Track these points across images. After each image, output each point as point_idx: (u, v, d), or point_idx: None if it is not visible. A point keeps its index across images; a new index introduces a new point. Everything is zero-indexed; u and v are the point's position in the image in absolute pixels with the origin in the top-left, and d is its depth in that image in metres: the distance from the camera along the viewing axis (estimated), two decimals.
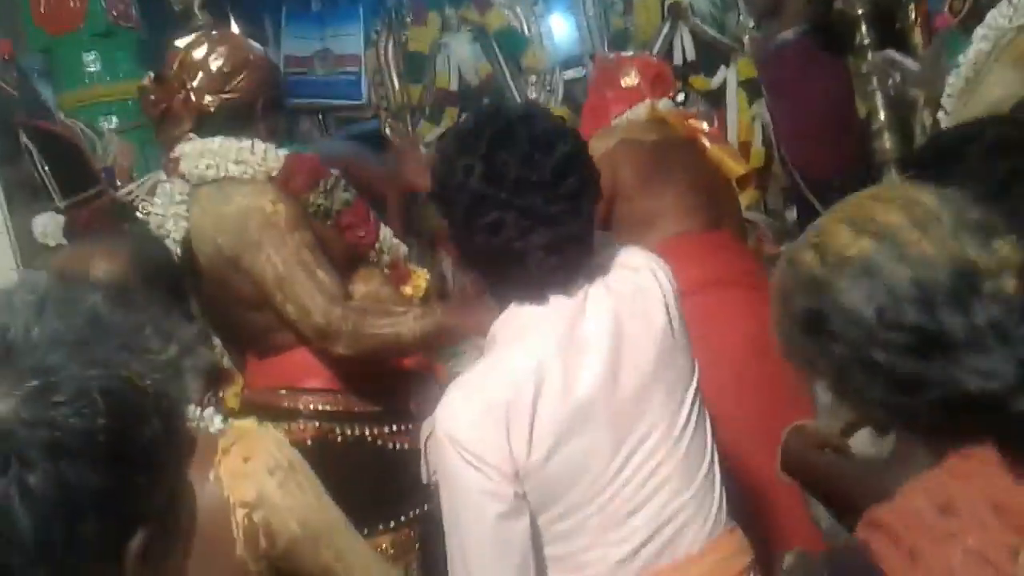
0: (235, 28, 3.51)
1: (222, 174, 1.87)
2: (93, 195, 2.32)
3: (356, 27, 4.97)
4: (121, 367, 0.74)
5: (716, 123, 4.11)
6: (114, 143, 2.53)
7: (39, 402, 0.70)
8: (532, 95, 4.51)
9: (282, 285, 1.78)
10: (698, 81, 4.13)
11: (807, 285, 0.97)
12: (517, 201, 1.24)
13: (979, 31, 1.94)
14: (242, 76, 1.94)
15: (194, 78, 1.91)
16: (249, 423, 1.24)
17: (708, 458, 1.40)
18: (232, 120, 1.93)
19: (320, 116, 4.94)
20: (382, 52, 4.74)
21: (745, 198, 4.00)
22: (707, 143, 2.61)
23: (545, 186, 1.25)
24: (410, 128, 4.61)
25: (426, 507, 1.91)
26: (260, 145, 1.90)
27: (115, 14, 3.50)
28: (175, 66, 1.94)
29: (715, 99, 4.12)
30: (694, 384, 1.40)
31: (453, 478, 1.24)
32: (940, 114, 1.99)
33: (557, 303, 1.31)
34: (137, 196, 2.20)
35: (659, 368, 1.33)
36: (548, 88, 4.50)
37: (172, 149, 1.93)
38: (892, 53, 2.11)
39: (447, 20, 4.54)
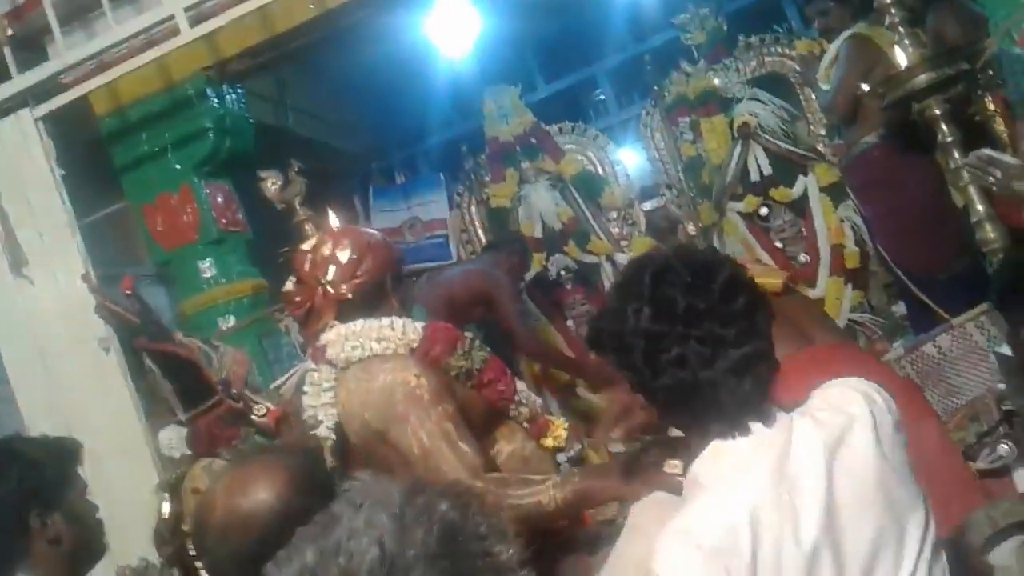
0: (332, 215, 3.73)
1: (367, 353, 1.96)
2: (211, 405, 2.48)
3: (439, 193, 5.24)
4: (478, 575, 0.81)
5: (804, 231, 4.15)
6: (228, 355, 2.71)
7: None
8: (615, 230, 4.63)
9: (427, 458, 1.84)
10: (779, 193, 4.20)
11: None
12: (693, 331, 1.23)
13: None
14: (368, 260, 2.07)
15: (327, 273, 2.05)
16: None
17: None
18: (368, 301, 2.05)
19: (415, 280, 5.15)
20: (466, 212, 4.97)
21: (847, 301, 3.98)
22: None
23: (715, 310, 1.24)
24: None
25: None
26: (399, 321, 2.01)
27: (225, 222, 3.78)
28: (307, 266, 2.08)
29: (799, 208, 4.15)
30: (921, 519, 1.30)
31: None
32: None
33: (760, 434, 1.27)
34: (285, 390, 2.33)
35: (878, 505, 1.26)
36: (630, 222, 4.62)
37: (315, 341, 2.05)
38: (988, 152, 2.11)
39: (524, 173, 4.75)
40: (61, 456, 1.86)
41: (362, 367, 1.95)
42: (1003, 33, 2.75)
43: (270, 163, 3.89)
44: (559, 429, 2.14)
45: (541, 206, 4.69)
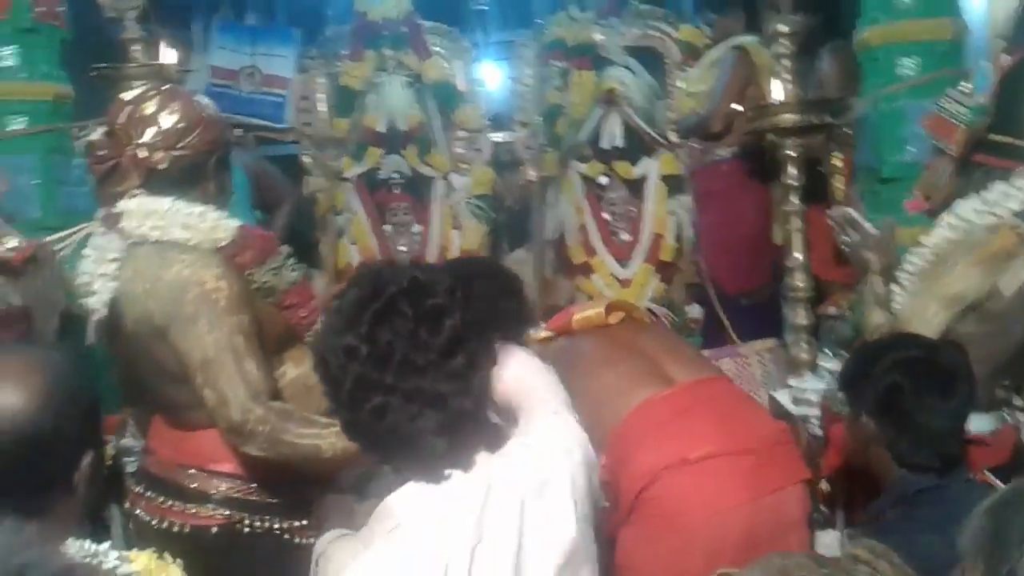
0: (166, 43, 3.37)
1: (166, 237, 1.79)
2: None
3: (289, 49, 4.87)
4: None
5: (633, 211, 4.26)
6: None
7: None
8: (458, 150, 4.53)
9: (207, 368, 1.72)
10: (622, 167, 4.25)
11: None
12: (403, 385, 1.19)
13: (945, 218, 2.03)
14: (195, 134, 1.87)
15: (144, 134, 1.83)
16: (148, 558, 1.14)
17: None
18: (182, 178, 1.86)
19: (239, 131, 4.81)
20: (312, 80, 4.66)
21: (651, 290, 4.16)
22: None
23: (433, 366, 1.20)
24: (331, 162, 4.55)
25: None
26: (212, 213, 1.84)
27: (42, 10, 3.32)
28: (122, 119, 1.85)
29: (635, 188, 4.24)
30: (593, 567, 1.34)
31: None
32: (895, 288, 2.08)
33: (458, 486, 1.25)
34: (65, 247, 2.07)
35: (566, 563, 1.28)
36: (475, 147, 4.53)
37: (112, 204, 1.84)
38: (853, 213, 2.21)
39: (384, 61, 4.51)
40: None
41: (157, 251, 1.79)
42: (873, 100, 2.91)
43: None
44: None
45: (392, 101, 4.48)
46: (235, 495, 1.83)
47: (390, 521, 1.26)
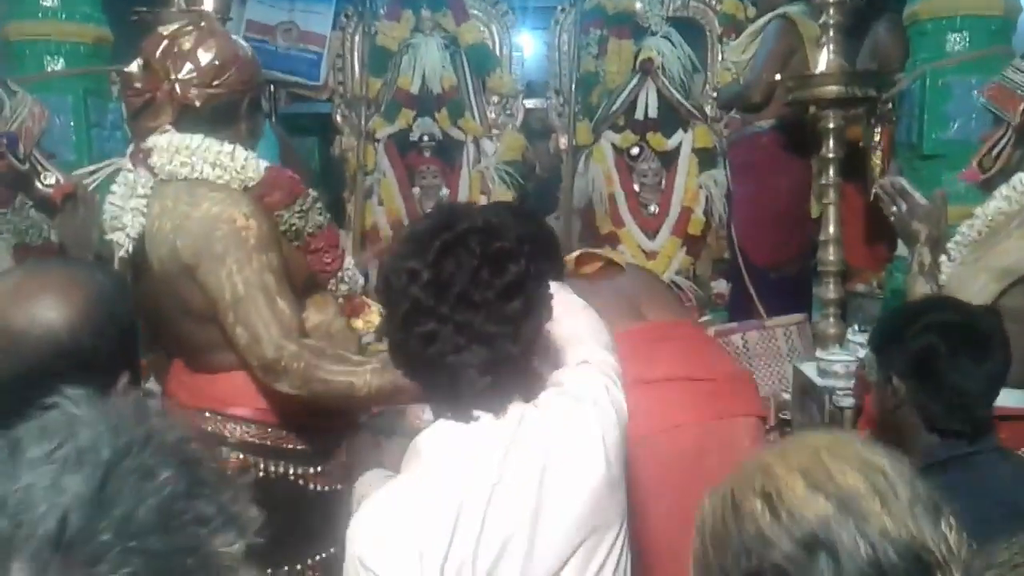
0: None
1: (195, 174, 1.78)
2: None
3: (327, 6, 4.85)
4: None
5: (663, 183, 4.22)
6: (26, 105, 2.37)
7: None
8: (491, 115, 4.50)
9: (237, 306, 1.70)
10: (655, 139, 4.21)
11: (753, 539, 0.86)
12: (456, 317, 1.21)
13: (1002, 189, 1.98)
14: (231, 72, 1.84)
15: (181, 69, 1.82)
16: None
17: None
18: (215, 117, 1.84)
19: (271, 88, 4.81)
20: (348, 39, 4.64)
21: (677, 263, 4.13)
22: None
23: (488, 306, 1.22)
24: (362, 120, 4.53)
25: (332, 551, 1.86)
26: (241, 152, 1.82)
27: None
28: (158, 53, 1.83)
29: (667, 160, 4.20)
30: (621, 534, 1.35)
31: None
32: (943, 258, 2.04)
33: (488, 428, 1.27)
34: (92, 182, 2.07)
35: (588, 510, 1.29)
36: (508, 112, 4.50)
37: (143, 139, 1.83)
38: (903, 182, 2.15)
39: (421, 22, 4.48)
40: None
41: (187, 188, 1.76)
42: (918, 75, 2.85)
43: None
44: (373, 315, 2.06)
45: (427, 62, 4.46)
46: (250, 439, 1.82)
47: (416, 459, 1.28)
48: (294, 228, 1.84)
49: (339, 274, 1.95)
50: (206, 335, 1.79)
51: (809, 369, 2.58)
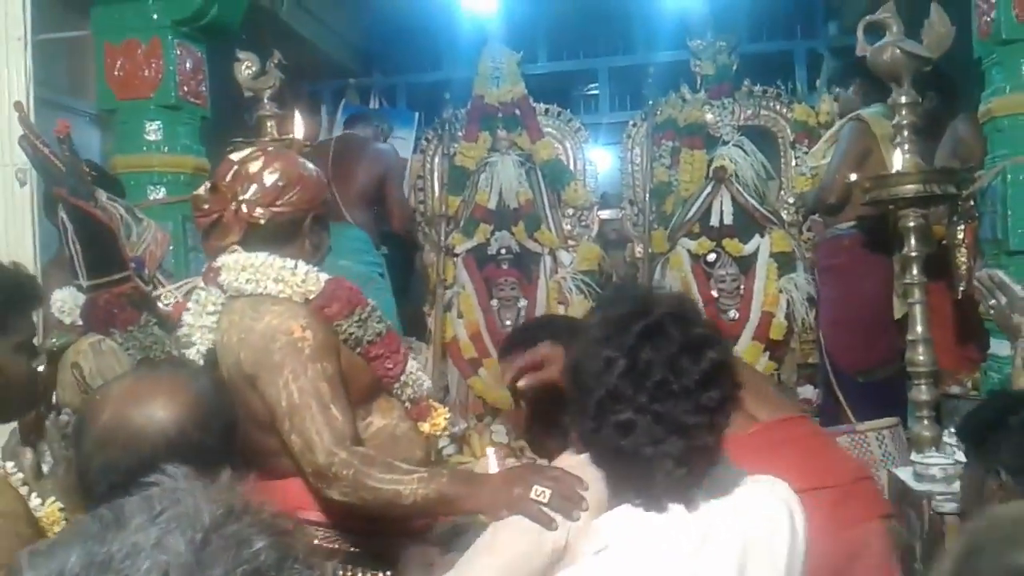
0: (298, 118, 3.59)
1: (260, 290, 1.86)
2: (117, 280, 2.32)
3: (409, 131, 5.10)
4: None
5: (742, 289, 4.19)
6: (150, 231, 2.54)
7: None
8: (567, 227, 4.59)
9: (293, 414, 1.75)
10: (732, 245, 4.21)
11: None
12: (655, 407, 1.17)
13: None
14: (295, 192, 1.94)
15: (247, 191, 1.92)
16: None
17: None
18: (279, 234, 1.93)
19: None
20: (429, 160, 4.85)
21: (761, 369, 4.05)
22: None
23: (688, 395, 1.18)
24: (441, 236, 4.67)
25: None
26: (303, 266, 1.90)
27: (186, 89, 3.59)
28: (228, 177, 1.95)
29: (744, 265, 4.18)
30: None
31: None
32: None
33: (680, 519, 1.21)
34: (173, 300, 2.19)
35: None
36: (584, 224, 4.58)
37: (215, 258, 1.93)
38: (1001, 275, 2.09)
39: (497, 141, 4.65)
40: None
41: (251, 303, 1.84)
42: (998, 171, 2.80)
43: (251, 45, 3.73)
44: (440, 417, 2.07)
45: (504, 179, 4.60)
46: (318, 543, 1.84)
47: (598, 541, 1.24)
48: (354, 336, 1.89)
49: (403, 378, 1.99)
50: (272, 442, 1.83)
51: (905, 474, 2.46)
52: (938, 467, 2.32)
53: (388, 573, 1.88)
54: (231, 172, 1.95)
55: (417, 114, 5.19)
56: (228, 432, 1.31)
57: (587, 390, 1.21)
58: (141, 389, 1.30)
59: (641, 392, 1.18)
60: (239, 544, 0.67)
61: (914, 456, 2.45)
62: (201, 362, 1.89)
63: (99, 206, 2.43)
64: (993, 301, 2.05)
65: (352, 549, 1.87)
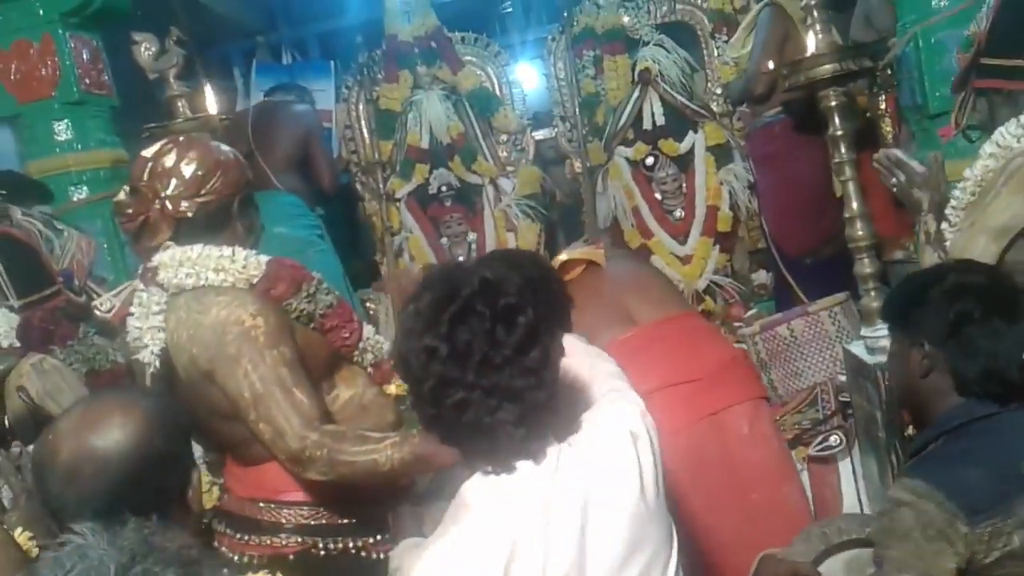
0: (209, 93, 3.49)
1: (201, 282, 1.84)
2: (48, 295, 2.30)
3: (328, 82, 4.99)
4: None
5: (684, 187, 4.21)
6: (72, 241, 2.50)
7: None
8: (503, 154, 4.56)
9: (257, 404, 1.76)
10: (667, 145, 4.20)
11: None
12: (483, 381, 1.24)
13: (986, 147, 1.92)
14: (216, 178, 1.91)
15: (168, 186, 1.88)
16: None
17: None
18: (210, 223, 1.91)
19: None
20: (353, 108, 4.75)
21: (713, 263, 4.11)
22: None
23: (510, 362, 1.25)
24: (380, 183, 4.62)
25: None
26: (241, 252, 1.88)
27: (88, 82, 3.47)
28: (146, 176, 1.90)
29: (683, 163, 4.19)
30: (672, 556, 1.38)
31: None
32: (944, 224, 2.01)
33: (529, 474, 1.30)
34: (111, 307, 2.17)
35: (635, 538, 1.31)
36: (519, 148, 4.54)
37: (148, 259, 1.90)
38: (897, 153, 2.13)
39: (419, 78, 4.56)
40: None
41: (195, 297, 1.83)
42: (909, 38, 2.81)
43: (146, 23, 3.59)
44: None
45: (432, 116, 4.53)
46: (306, 521, 1.87)
47: (462, 509, 1.31)
48: (305, 313, 1.89)
49: (361, 345, 2.00)
50: (241, 431, 1.84)
51: (858, 349, 2.53)
52: (887, 338, 2.39)
53: (379, 537, 1.93)
54: (146, 170, 1.91)
55: (333, 63, 5.07)
56: (186, 436, 1.35)
57: (417, 380, 1.29)
58: (93, 417, 1.32)
59: (467, 371, 1.24)
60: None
61: (864, 330, 2.52)
62: (156, 363, 1.88)
63: (15, 224, 2.38)
64: (894, 180, 2.10)
65: (341, 521, 1.91)
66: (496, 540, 1.26)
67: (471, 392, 1.25)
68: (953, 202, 1.99)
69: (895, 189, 2.13)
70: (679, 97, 4.18)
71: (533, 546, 1.25)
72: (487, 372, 1.24)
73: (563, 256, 2.48)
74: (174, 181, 1.87)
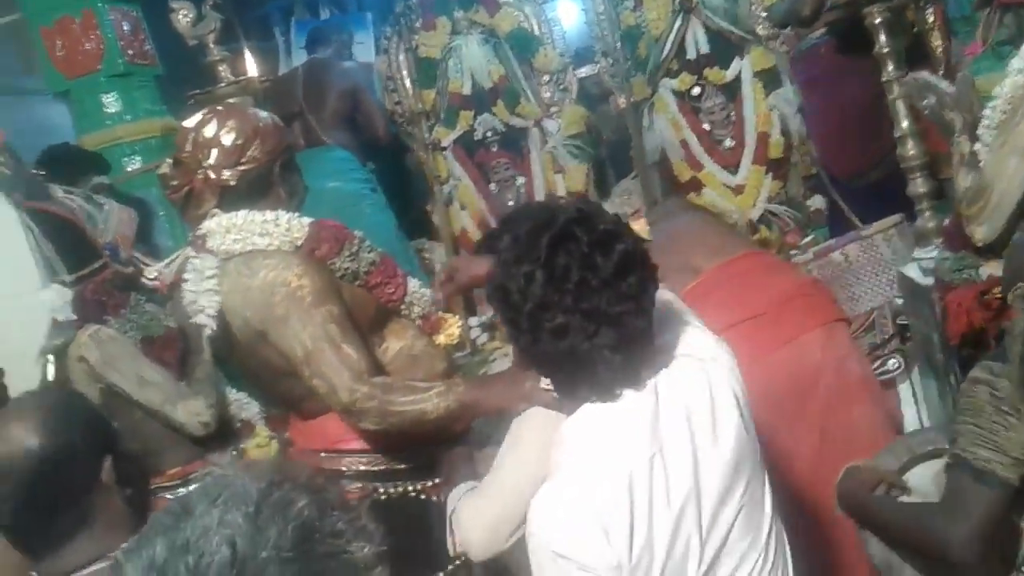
0: (248, 56, 3.53)
1: (249, 247, 1.90)
2: (97, 268, 2.38)
3: (367, 35, 4.98)
4: None
5: (733, 116, 4.11)
6: (114, 214, 2.58)
7: None
8: (546, 94, 4.50)
9: (309, 361, 1.82)
10: (713, 74, 4.10)
11: None
12: (582, 304, 1.25)
13: (1015, 64, 1.87)
14: (255, 146, 1.96)
15: (209, 156, 1.94)
16: None
17: (785, 543, 1.42)
18: (253, 190, 1.96)
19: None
20: (393, 59, 4.73)
21: (766, 191, 4.03)
22: None
23: (607, 287, 1.25)
24: (425, 132, 4.62)
25: (465, 558, 1.96)
26: (284, 216, 1.94)
27: (131, 53, 3.54)
28: (188, 147, 1.96)
29: (730, 92, 4.09)
30: (765, 471, 1.41)
31: None
32: (978, 145, 1.95)
33: (629, 401, 1.31)
34: (165, 274, 2.24)
35: (737, 461, 1.34)
36: (562, 87, 4.48)
37: (197, 226, 1.97)
38: (925, 75, 2.07)
39: (457, 24, 4.52)
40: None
41: (244, 262, 1.90)
42: None
43: None
44: (452, 327, 2.15)
45: (472, 61, 4.49)
46: (365, 468, 1.95)
47: (569, 445, 1.34)
48: (350, 271, 1.94)
49: (407, 299, 2.04)
50: (298, 387, 1.92)
51: (912, 271, 2.49)
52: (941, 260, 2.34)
53: (436, 480, 1.99)
54: (189, 140, 1.97)
55: (370, 14, 5.04)
56: (98, 430, 1.43)
57: (515, 307, 1.29)
58: None
59: (565, 295, 1.25)
60: (285, 507, 0.82)
61: (917, 252, 2.47)
62: (213, 325, 1.95)
63: (56, 202, 2.46)
64: (925, 102, 2.04)
65: (398, 466, 1.99)
66: (614, 472, 1.28)
67: (570, 317, 1.26)
68: (985, 122, 1.92)
69: (927, 112, 2.06)
70: (722, 23, 4.06)
71: (653, 473, 1.28)
72: (585, 296, 1.25)
73: None
74: (215, 151, 1.93)
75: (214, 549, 0.78)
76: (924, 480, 1.83)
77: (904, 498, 1.82)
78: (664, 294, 1.55)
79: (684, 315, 1.51)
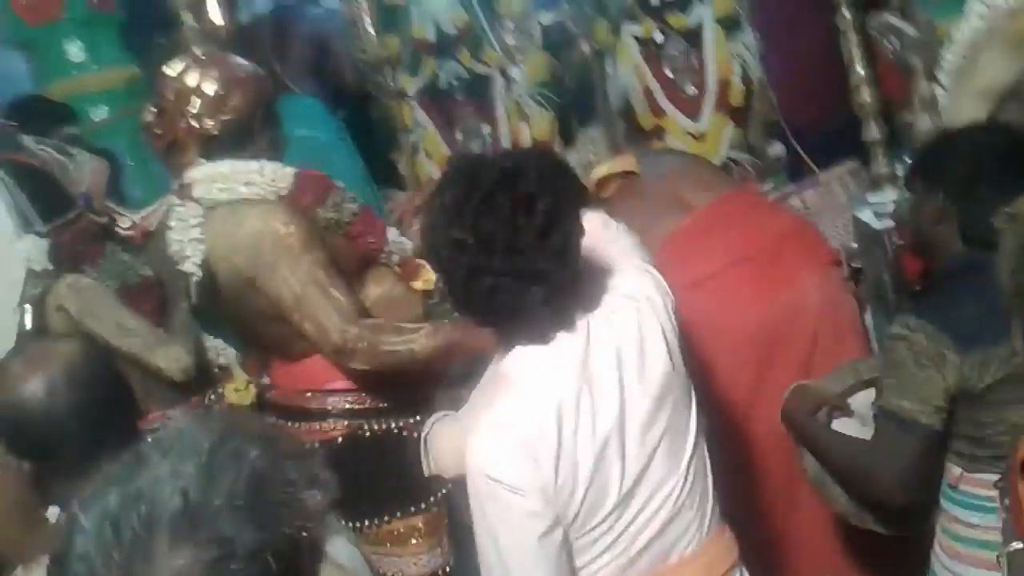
0: (212, 2, 3.50)
1: (234, 197, 1.96)
2: (72, 218, 2.41)
3: None
4: (285, 525, 0.83)
5: (695, 63, 4.16)
6: (85, 164, 2.59)
7: (220, 572, 0.78)
8: (510, 41, 4.51)
9: (299, 305, 1.90)
10: (675, 19, 4.13)
11: None
12: (509, 267, 1.36)
13: (974, 6, 1.97)
14: (236, 96, 2.00)
15: (192, 105, 1.97)
16: None
17: (706, 468, 1.55)
18: (235, 139, 2.01)
19: None
20: (356, 5, 4.69)
21: (728, 138, 4.11)
22: None
23: (532, 247, 1.35)
24: (388, 80, 4.61)
25: (451, 486, 2.07)
26: (269, 165, 1.99)
27: (94, 0, 3.48)
28: (170, 95, 1.99)
29: (692, 39, 4.13)
30: (693, 400, 1.53)
31: (493, 506, 1.37)
32: (938, 89, 2.04)
33: (563, 342, 1.44)
34: (148, 222, 2.28)
35: (662, 394, 1.46)
36: (526, 34, 4.49)
37: (181, 175, 2.01)
38: (888, 18, 2.15)
39: None
40: None
41: (230, 211, 1.96)
42: None
43: None
44: (429, 272, 2.23)
45: (435, 6, 4.48)
46: (350, 406, 2.04)
47: (504, 381, 1.47)
48: (333, 220, 2.01)
49: (387, 247, 2.11)
50: (284, 331, 2.00)
51: (866, 215, 2.60)
52: (893, 203, 2.45)
53: (419, 418, 2.09)
54: (171, 90, 2.00)
55: None
56: (109, 387, 1.49)
57: (448, 271, 1.41)
58: (10, 367, 1.47)
59: (493, 258, 1.35)
60: (236, 457, 0.84)
61: (871, 196, 2.58)
62: (199, 273, 2.01)
63: (28, 153, 2.48)
64: (890, 46, 2.12)
65: (382, 405, 2.09)
66: (543, 404, 1.40)
67: (500, 278, 1.36)
68: (944, 64, 2.01)
69: (892, 56, 2.15)
70: None
71: (580, 405, 1.39)
72: (513, 258, 1.35)
73: (602, 171, 2.52)
74: (198, 101, 1.97)
75: (166, 498, 0.79)
76: (866, 405, 1.96)
77: (846, 420, 1.95)
78: (607, 233, 1.66)
79: (624, 255, 1.62)
